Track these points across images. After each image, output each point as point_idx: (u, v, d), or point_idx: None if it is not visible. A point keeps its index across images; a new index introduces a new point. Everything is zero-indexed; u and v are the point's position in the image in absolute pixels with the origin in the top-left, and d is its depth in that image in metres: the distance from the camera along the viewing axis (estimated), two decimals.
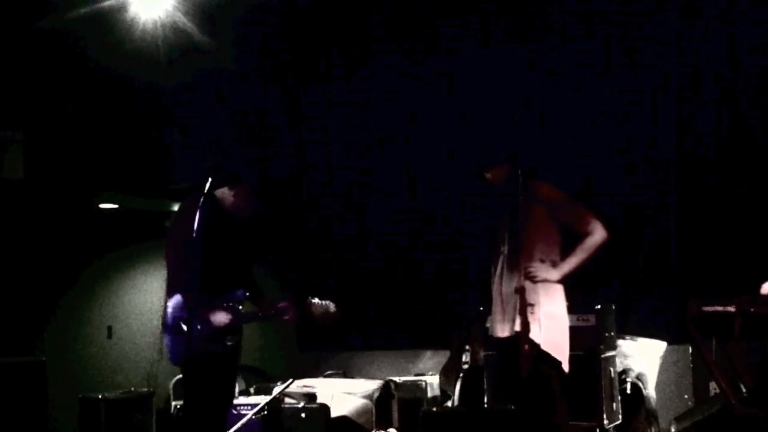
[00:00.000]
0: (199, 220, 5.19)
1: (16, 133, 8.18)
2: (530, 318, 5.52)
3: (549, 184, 5.84)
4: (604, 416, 6.63)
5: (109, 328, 9.16)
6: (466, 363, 7.52)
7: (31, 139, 8.25)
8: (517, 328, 5.56)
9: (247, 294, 5.71)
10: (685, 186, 8.04)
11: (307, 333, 8.96)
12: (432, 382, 8.10)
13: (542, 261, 5.70)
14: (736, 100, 7.79)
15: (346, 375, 8.60)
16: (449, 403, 7.59)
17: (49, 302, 8.56)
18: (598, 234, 5.70)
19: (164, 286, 5.64)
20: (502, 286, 5.77)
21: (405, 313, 8.82)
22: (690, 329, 6.07)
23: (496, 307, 5.84)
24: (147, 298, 9.07)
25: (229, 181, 5.67)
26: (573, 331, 5.83)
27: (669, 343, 7.52)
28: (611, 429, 6.74)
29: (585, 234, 5.70)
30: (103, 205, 9.01)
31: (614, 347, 7.00)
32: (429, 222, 8.85)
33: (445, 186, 8.58)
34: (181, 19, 7.52)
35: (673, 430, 6.89)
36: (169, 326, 5.45)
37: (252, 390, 8.05)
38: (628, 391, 7.07)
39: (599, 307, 6.84)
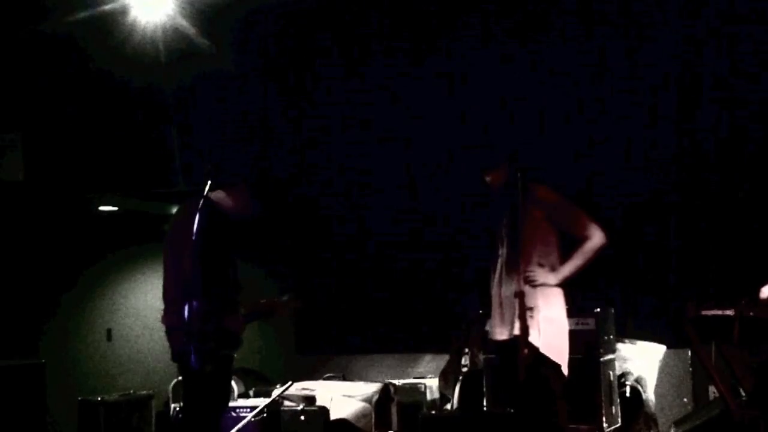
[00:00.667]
0: (198, 223, 5.17)
1: (16, 136, 8.19)
2: (529, 322, 5.51)
3: (547, 187, 5.82)
4: (604, 419, 6.63)
5: (109, 331, 9.17)
6: (465, 366, 7.52)
7: (31, 141, 8.25)
8: (516, 331, 5.55)
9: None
10: (684, 187, 8.03)
11: (307, 336, 8.97)
12: (431, 385, 8.09)
13: (541, 265, 5.69)
14: (736, 100, 7.78)
15: (345, 378, 8.59)
16: (448, 407, 7.59)
17: (48, 305, 8.57)
18: (596, 238, 5.69)
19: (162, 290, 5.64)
20: (501, 289, 5.76)
21: (404, 316, 8.81)
22: (688, 332, 6.07)
23: (495, 310, 5.84)
24: (146, 301, 9.07)
25: (228, 183, 5.66)
26: (572, 334, 5.83)
27: (668, 347, 7.52)
28: None
29: (583, 238, 5.70)
30: (102, 208, 9.01)
31: (613, 350, 7.00)
32: (429, 223, 8.85)
33: (445, 186, 8.57)
34: (181, 22, 7.52)
35: None
36: (194, 334, 5.37)
37: (251, 393, 8.05)
38: (628, 395, 7.07)
39: (598, 310, 6.84)
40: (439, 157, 8.62)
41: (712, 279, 7.54)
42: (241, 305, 5.82)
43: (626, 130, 8.09)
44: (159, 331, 5.68)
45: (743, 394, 6.20)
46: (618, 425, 6.87)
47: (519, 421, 5.85)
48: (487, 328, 6.23)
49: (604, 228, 5.72)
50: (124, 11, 7.30)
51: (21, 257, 8.37)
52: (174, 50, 7.69)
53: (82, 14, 7.18)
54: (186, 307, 5.33)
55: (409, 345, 8.87)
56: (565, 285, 5.77)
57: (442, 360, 7.98)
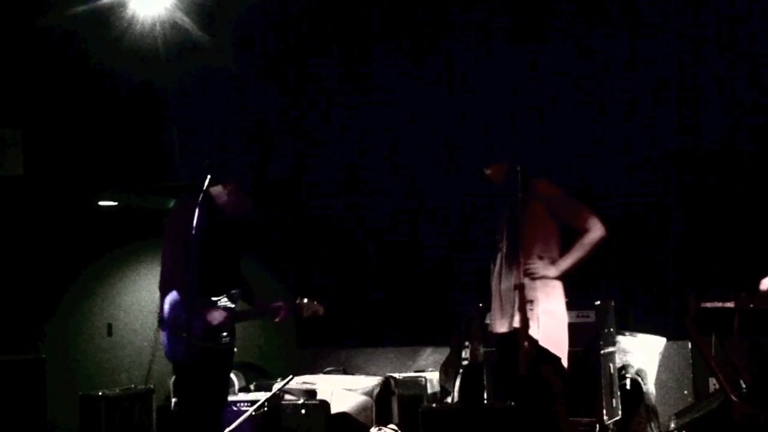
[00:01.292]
0: (197, 218, 5.19)
1: (16, 131, 8.18)
2: (529, 315, 5.52)
3: (547, 181, 5.85)
4: (604, 412, 6.64)
5: (109, 326, 9.17)
6: (465, 360, 7.53)
7: (31, 136, 8.25)
8: (516, 324, 5.57)
9: (240, 293, 5.72)
10: (684, 183, 8.05)
11: (307, 330, 8.96)
12: (432, 378, 8.10)
13: (541, 258, 5.71)
14: (736, 99, 7.79)
15: (345, 372, 8.59)
16: (449, 400, 7.60)
17: (49, 300, 8.57)
18: (596, 231, 5.71)
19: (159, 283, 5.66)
20: (501, 283, 5.79)
21: (405, 310, 8.82)
22: (688, 325, 6.09)
23: (495, 304, 5.86)
24: (147, 296, 9.06)
25: (223, 179, 5.67)
26: (572, 327, 5.85)
27: (669, 339, 7.53)
28: (611, 425, 6.75)
29: (583, 231, 5.72)
30: (102, 203, 9.01)
31: (614, 343, 7.00)
32: (429, 220, 8.86)
33: (445, 185, 8.58)
34: (180, 18, 7.51)
35: (672, 426, 6.90)
36: (167, 323, 5.47)
37: (252, 387, 8.06)
38: (628, 387, 7.08)
39: (599, 303, 6.85)
40: (439, 156, 8.63)
41: (712, 272, 7.55)
42: (256, 303, 5.86)
43: (626, 129, 8.10)
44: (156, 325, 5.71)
45: (743, 386, 6.21)
46: (618, 418, 6.88)
47: (519, 414, 5.86)
48: (488, 321, 6.24)
49: (604, 221, 5.74)
50: (122, 5, 7.29)
51: (21, 253, 8.36)
52: (173, 45, 7.69)
53: (81, 8, 7.18)
54: (173, 299, 5.38)
55: (410, 338, 8.88)
56: (566, 278, 5.78)
57: (443, 353, 7.98)
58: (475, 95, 8.33)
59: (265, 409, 7.03)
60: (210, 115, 8.65)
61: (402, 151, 8.92)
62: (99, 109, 8.35)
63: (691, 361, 7.63)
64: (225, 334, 5.60)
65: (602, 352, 6.75)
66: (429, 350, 8.81)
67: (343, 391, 7.58)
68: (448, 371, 7.69)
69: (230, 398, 6.86)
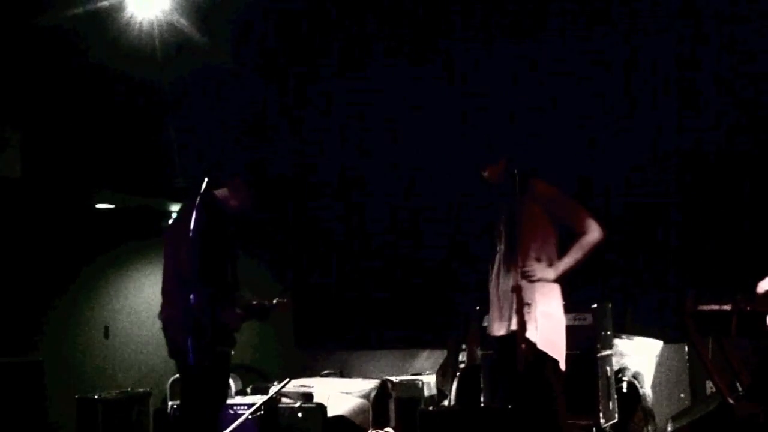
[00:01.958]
0: (195, 220, 5.18)
1: (14, 132, 8.17)
2: (527, 317, 5.51)
3: (545, 182, 5.83)
4: (601, 415, 6.64)
5: (106, 328, 9.16)
6: (462, 362, 7.53)
7: (29, 137, 8.23)
8: (514, 326, 5.55)
9: (240, 294, 5.72)
10: (685, 185, 8.05)
11: (305, 332, 8.97)
12: (429, 381, 8.10)
13: (538, 259, 5.70)
14: (737, 99, 7.80)
15: (343, 374, 8.60)
16: (446, 403, 7.59)
17: (46, 302, 8.55)
18: (594, 233, 5.70)
19: (160, 286, 5.64)
20: (499, 284, 5.77)
21: (402, 312, 8.82)
22: (687, 327, 6.08)
23: (493, 306, 5.84)
24: (144, 298, 9.06)
25: (228, 180, 5.67)
26: (570, 330, 5.83)
27: (666, 342, 7.53)
28: (608, 428, 6.74)
29: (581, 233, 5.71)
30: (99, 205, 9.00)
31: (611, 346, 7.00)
32: (427, 221, 8.86)
33: (444, 186, 8.58)
34: (178, 18, 7.51)
35: (669, 428, 6.89)
36: (189, 328, 5.39)
37: (249, 389, 8.05)
38: (625, 390, 7.08)
39: (596, 306, 6.84)
40: (438, 156, 8.63)
41: (709, 274, 7.55)
42: (239, 303, 5.86)
43: (627, 129, 8.10)
44: (157, 328, 5.70)
45: (740, 388, 6.20)
46: (615, 420, 6.88)
47: (516, 417, 5.85)
48: (485, 323, 6.23)
49: (602, 223, 5.73)
50: (120, 7, 7.29)
51: (18, 254, 8.35)
52: (171, 46, 7.69)
53: (79, 9, 7.17)
54: (181, 300, 5.36)
55: (407, 341, 8.88)
56: (563, 280, 5.77)
57: (440, 356, 7.98)
58: (476, 95, 8.33)
59: (262, 412, 7.01)
60: (208, 116, 8.65)
61: (402, 150, 8.92)
62: (97, 110, 8.33)
63: (687, 363, 7.62)
64: (235, 337, 5.60)
65: (599, 354, 6.75)
66: (426, 353, 8.82)
67: (340, 394, 7.58)
68: (445, 374, 7.68)
69: (227, 401, 6.85)
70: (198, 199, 5.26)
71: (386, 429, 7.54)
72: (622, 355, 7.24)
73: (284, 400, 7.36)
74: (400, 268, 8.97)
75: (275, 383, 7.56)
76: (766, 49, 7.61)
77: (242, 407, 7.05)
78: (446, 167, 8.50)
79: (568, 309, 5.87)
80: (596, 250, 5.72)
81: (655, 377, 7.48)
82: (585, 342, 6.63)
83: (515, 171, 5.61)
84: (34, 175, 8.17)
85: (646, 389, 7.23)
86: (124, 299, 9.27)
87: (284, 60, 8.91)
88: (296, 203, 9.38)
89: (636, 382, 7.15)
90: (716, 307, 5.88)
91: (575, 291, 5.98)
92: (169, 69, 7.91)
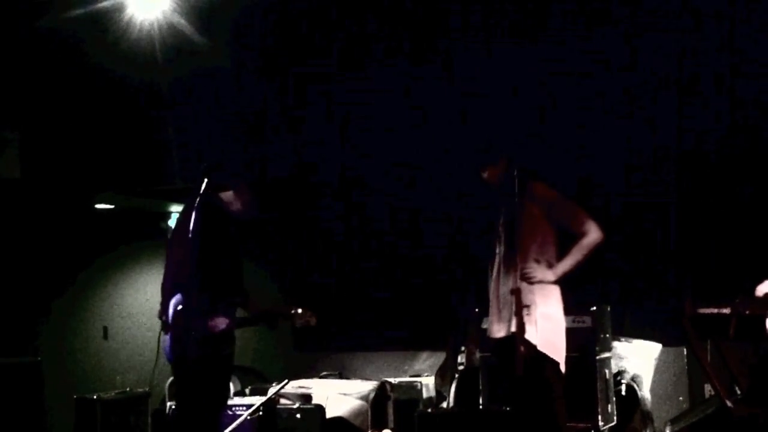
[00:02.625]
0: (194, 222, 5.17)
1: (12, 133, 8.18)
2: (526, 319, 5.50)
3: (544, 184, 5.82)
4: (599, 418, 6.62)
5: (105, 329, 9.17)
6: (461, 364, 7.52)
7: (28, 138, 8.24)
8: (513, 329, 5.54)
9: (240, 299, 5.70)
10: (684, 186, 8.04)
11: (304, 334, 8.95)
12: (427, 383, 8.09)
13: (538, 261, 5.68)
14: (737, 98, 7.79)
15: (341, 376, 8.58)
16: (444, 404, 7.58)
17: (44, 303, 8.57)
18: (593, 234, 5.68)
19: (160, 286, 5.64)
20: (499, 287, 5.75)
21: (401, 314, 8.81)
22: (686, 330, 6.07)
23: (493, 308, 5.83)
24: (143, 299, 9.06)
25: (231, 182, 5.65)
26: (569, 332, 5.81)
27: (664, 345, 7.52)
28: (606, 430, 6.73)
29: (580, 234, 5.69)
30: (99, 206, 9.00)
31: (610, 349, 6.98)
32: (427, 222, 8.85)
33: (444, 186, 8.57)
34: (178, 19, 7.51)
35: (667, 431, 6.89)
36: (170, 325, 5.43)
37: (247, 391, 8.04)
38: (623, 393, 7.06)
39: (595, 308, 6.83)
40: (438, 157, 8.62)
41: (709, 277, 7.54)
42: (250, 307, 5.83)
43: (626, 128, 8.09)
44: (155, 329, 5.70)
45: (739, 391, 6.20)
46: (614, 423, 6.86)
47: (515, 419, 5.84)
48: (485, 325, 6.22)
49: (601, 225, 5.72)
50: (120, 8, 7.29)
51: (17, 255, 8.36)
52: (170, 47, 7.69)
53: (79, 11, 7.17)
54: (176, 302, 5.36)
55: (406, 343, 8.86)
56: (562, 282, 5.76)
57: (439, 358, 7.98)
58: (476, 95, 8.32)
59: (261, 413, 7.01)
60: (208, 116, 8.65)
61: (402, 151, 8.90)
62: (96, 111, 8.34)
63: (686, 367, 7.62)
64: (225, 343, 5.56)
65: (598, 357, 6.73)
66: (425, 354, 8.80)
67: (339, 396, 7.57)
68: (444, 375, 7.68)
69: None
70: (197, 200, 5.25)
71: (385, 431, 7.54)
72: (620, 357, 7.23)
73: (283, 401, 7.35)
74: (400, 269, 8.95)
75: (274, 384, 7.55)
76: (766, 49, 7.59)
77: (241, 408, 7.05)
78: (446, 167, 8.49)
79: (566, 311, 5.86)
80: (596, 251, 5.71)
81: (654, 380, 7.47)
82: (584, 344, 6.61)
83: (514, 172, 5.60)
84: (34, 176, 8.18)
85: (645, 392, 7.22)
86: (123, 300, 9.28)
87: (284, 60, 8.90)
88: (296, 204, 9.37)
89: (635, 384, 7.14)
90: (715, 310, 5.88)
91: (574, 293, 5.97)
92: (168, 70, 7.91)
